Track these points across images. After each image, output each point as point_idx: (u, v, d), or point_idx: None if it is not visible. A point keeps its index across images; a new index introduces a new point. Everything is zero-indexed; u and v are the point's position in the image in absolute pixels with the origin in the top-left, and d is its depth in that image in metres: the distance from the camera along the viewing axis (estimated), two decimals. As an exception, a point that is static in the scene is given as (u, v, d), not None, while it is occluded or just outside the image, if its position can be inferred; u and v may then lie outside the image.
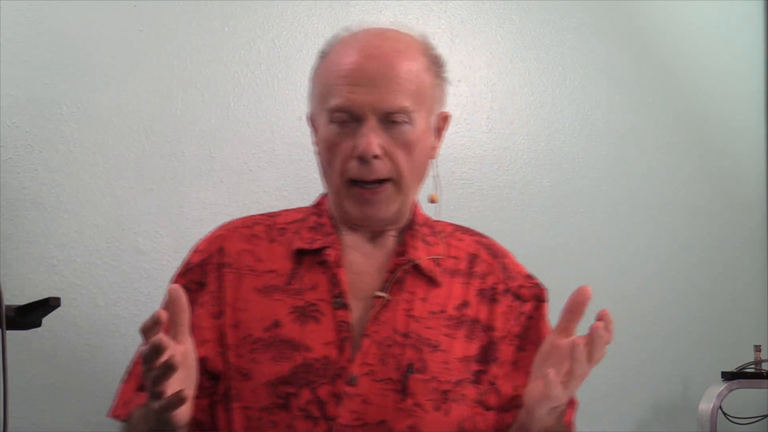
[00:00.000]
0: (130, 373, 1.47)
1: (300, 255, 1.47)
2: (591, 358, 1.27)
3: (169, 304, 1.24)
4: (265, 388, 1.38)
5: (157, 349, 1.15)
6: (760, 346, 2.53)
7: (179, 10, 2.05)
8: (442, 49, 2.40)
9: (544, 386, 1.27)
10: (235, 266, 1.47)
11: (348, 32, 1.50)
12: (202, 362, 1.41)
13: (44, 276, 1.88)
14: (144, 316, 1.94)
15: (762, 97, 2.86)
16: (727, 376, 2.46)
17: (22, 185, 1.87)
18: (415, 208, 1.52)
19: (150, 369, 1.16)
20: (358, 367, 1.39)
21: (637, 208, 2.63)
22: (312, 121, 1.51)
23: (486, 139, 2.42)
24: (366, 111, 1.40)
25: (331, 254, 1.45)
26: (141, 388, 1.40)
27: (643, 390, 2.59)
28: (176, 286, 1.25)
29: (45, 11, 1.91)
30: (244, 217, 1.55)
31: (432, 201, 1.54)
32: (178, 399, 1.16)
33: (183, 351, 1.24)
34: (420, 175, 1.48)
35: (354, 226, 1.49)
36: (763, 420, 2.65)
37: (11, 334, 1.32)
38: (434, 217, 1.57)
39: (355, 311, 1.43)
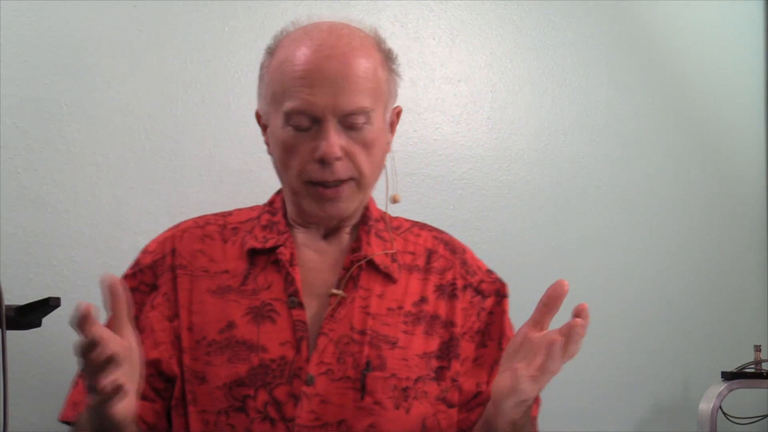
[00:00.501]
0: (80, 376, 1.44)
1: (253, 254, 1.45)
2: (566, 353, 1.25)
3: (108, 296, 1.21)
4: (221, 390, 1.36)
5: (93, 343, 1.12)
6: (760, 346, 2.52)
7: (179, 10, 2.05)
8: (442, 49, 2.41)
9: (512, 380, 1.26)
10: (189, 268, 1.45)
11: (297, 27, 1.49)
12: (157, 365, 1.40)
13: (44, 276, 1.88)
14: (144, 316, 1.90)
15: (762, 96, 2.86)
16: (727, 376, 2.46)
17: (22, 185, 1.87)
18: (369, 203, 1.50)
19: (89, 364, 1.14)
20: (315, 367, 1.37)
21: (637, 208, 2.63)
22: (261, 118, 1.49)
23: (486, 139, 2.42)
24: (325, 112, 1.37)
25: (284, 253, 1.43)
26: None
27: (643, 390, 2.59)
28: (111, 275, 1.22)
29: (45, 11, 1.91)
30: (196, 218, 1.53)
31: (394, 201, 1.52)
32: (115, 389, 1.13)
33: (126, 345, 1.21)
34: (378, 173, 1.47)
35: (308, 224, 1.47)
36: (763, 420, 2.65)
37: (11, 334, 1.32)
38: (419, 216, 1.56)
39: (311, 310, 1.41)
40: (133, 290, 1.45)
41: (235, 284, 1.43)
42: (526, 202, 2.45)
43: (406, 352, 1.41)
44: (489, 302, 1.51)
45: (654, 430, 2.60)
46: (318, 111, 1.37)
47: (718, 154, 2.79)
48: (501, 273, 1.57)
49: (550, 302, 1.28)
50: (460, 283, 1.49)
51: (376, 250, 1.46)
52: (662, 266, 2.65)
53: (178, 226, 1.52)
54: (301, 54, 1.40)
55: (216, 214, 1.53)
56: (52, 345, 1.87)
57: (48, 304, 1.49)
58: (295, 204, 1.46)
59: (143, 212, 1.98)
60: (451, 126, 2.38)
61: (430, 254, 1.51)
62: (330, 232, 1.48)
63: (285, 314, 1.40)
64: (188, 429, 1.38)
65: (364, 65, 1.40)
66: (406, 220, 1.56)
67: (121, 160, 1.97)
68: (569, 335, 1.24)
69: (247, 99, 2.11)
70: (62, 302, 1.50)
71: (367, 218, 1.49)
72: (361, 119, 1.39)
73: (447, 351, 1.44)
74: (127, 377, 1.19)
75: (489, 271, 1.55)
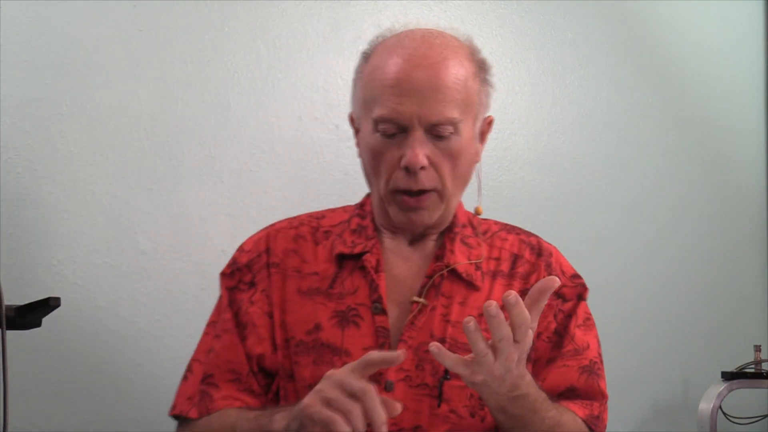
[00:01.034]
0: (191, 371, 1.49)
1: (342, 259, 1.48)
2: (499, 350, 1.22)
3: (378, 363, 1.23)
4: (306, 391, 1.37)
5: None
6: (760, 346, 2.52)
7: (179, 10, 2.05)
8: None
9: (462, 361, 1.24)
10: (281, 266, 1.49)
11: (392, 34, 1.49)
12: (261, 360, 1.45)
13: (44, 276, 1.88)
14: (144, 317, 1.94)
15: (762, 96, 2.86)
16: (727, 376, 2.46)
17: (22, 185, 1.87)
18: (457, 208, 1.52)
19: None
20: (395, 373, 1.40)
21: (637, 208, 2.62)
22: (354, 121, 1.52)
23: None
24: (413, 122, 1.39)
25: (370, 260, 1.46)
26: (204, 380, 1.44)
27: (643, 390, 2.59)
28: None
29: (45, 11, 1.91)
30: (290, 218, 1.57)
31: (477, 213, 1.55)
32: None
33: None
34: (464, 182, 1.49)
35: (395, 229, 1.49)
36: (763, 420, 2.65)
37: (11, 334, 1.32)
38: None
39: (393, 316, 1.44)
40: (232, 288, 1.51)
41: (323, 287, 1.46)
42: (526, 202, 2.45)
43: None
44: (568, 306, 1.51)
45: (654, 430, 2.60)
46: (405, 120, 1.39)
47: (719, 154, 2.79)
48: (501, 273, 1.57)
49: (533, 295, 1.25)
50: None
51: (460, 258, 1.47)
52: (662, 266, 2.65)
53: (272, 225, 1.56)
54: (393, 63, 1.42)
55: (310, 215, 1.57)
56: (52, 345, 1.87)
57: (48, 304, 1.49)
58: (382, 209, 1.48)
59: (143, 212, 1.98)
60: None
61: (516, 259, 1.52)
62: (416, 239, 1.50)
63: (369, 320, 1.43)
64: None
65: (455, 76, 1.41)
66: (495, 223, 1.58)
67: (121, 160, 1.97)
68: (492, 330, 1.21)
69: (247, 99, 2.11)
70: (62, 302, 1.50)
71: (453, 224, 1.51)
72: (447, 130, 1.41)
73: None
74: None
75: (574, 276, 1.55)
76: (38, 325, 1.52)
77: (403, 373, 1.40)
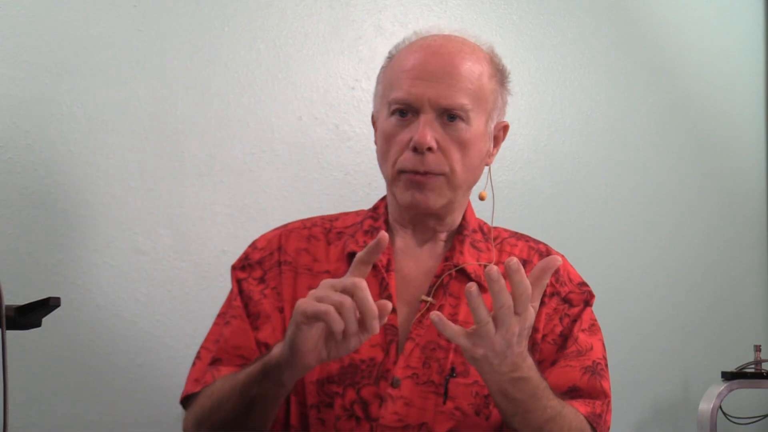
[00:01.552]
0: (199, 357, 1.51)
1: (353, 258, 1.48)
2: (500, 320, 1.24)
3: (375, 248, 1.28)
4: (314, 386, 1.42)
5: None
6: (760, 346, 2.53)
7: (179, 10, 2.05)
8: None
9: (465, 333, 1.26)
10: (293, 264, 1.51)
11: (417, 35, 1.54)
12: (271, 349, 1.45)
13: (44, 276, 1.88)
14: (144, 316, 1.94)
15: (762, 96, 2.86)
16: (727, 376, 2.46)
17: (22, 185, 1.87)
18: (467, 212, 1.55)
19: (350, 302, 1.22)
20: (402, 370, 1.42)
21: (637, 208, 2.63)
22: (374, 120, 1.54)
23: (486, 139, 2.42)
24: (424, 104, 1.43)
25: (381, 259, 1.48)
26: (212, 363, 1.46)
27: (643, 390, 2.59)
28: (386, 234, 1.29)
29: (45, 11, 1.91)
30: (303, 219, 1.60)
31: (481, 198, 1.56)
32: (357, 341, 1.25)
33: None
34: (472, 178, 1.51)
35: (405, 224, 1.51)
36: (763, 420, 2.65)
37: (11, 334, 1.32)
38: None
39: (402, 314, 1.46)
40: (242, 280, 1.53)
41: None
42: (526, 202, 2.45)
43: None
44: (574, 311, 1.53)
45: (654, 430, 2.60)
46: (417, 102, 1.43)
47: (719, 154, 2.79)
48: (501, 273, 1.57)
49: (537, 273, 1.26)
50: (548, 290, 1.51)
51: (468, 260, 1.49)
52: (662, 266, 2.65)
53: (285, 226, 1.59)
54: (412, 53, 1.47)
55: (323, 217, 1.60)
56: (52, 345, 1.87)
57: (48, 304, 1.49)
58: (391, 195, 1.51)
59: (143, 212, 1.98)
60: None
61: (525, 265, 1.51)
62: (427, 239, 1.52)
63: None
64: (289, 418, 1.44)
65: (469, 67, 1.45)
66: (505, 230, 1.60)
67: (121, 160, 1.97)
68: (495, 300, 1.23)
69: (247, 99, 2.11)
70: (62, 302, 1.50)
71: (463, 227, 1.54)
72: (458, 115, 1.44)
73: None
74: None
75: (581, 284, 1.57)
76: (38, 325, 1.52)
77: (410, 371, 1.42)
